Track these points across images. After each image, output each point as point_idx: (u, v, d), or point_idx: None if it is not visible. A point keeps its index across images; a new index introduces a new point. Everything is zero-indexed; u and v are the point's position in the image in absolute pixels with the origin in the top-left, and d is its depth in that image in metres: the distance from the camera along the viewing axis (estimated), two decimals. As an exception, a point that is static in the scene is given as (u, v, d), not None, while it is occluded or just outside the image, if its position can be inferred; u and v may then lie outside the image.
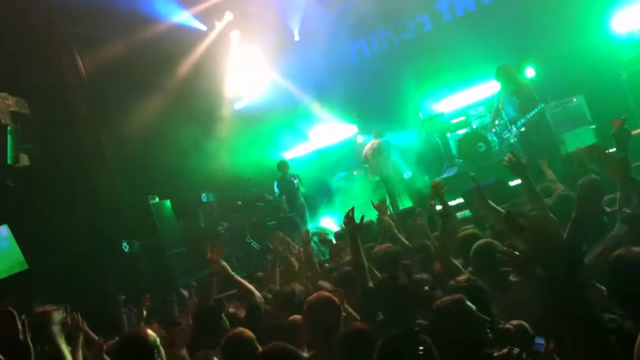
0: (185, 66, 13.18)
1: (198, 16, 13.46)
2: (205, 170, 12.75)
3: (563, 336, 2.85)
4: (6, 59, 10.03)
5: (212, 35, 13.82)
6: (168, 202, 12.15)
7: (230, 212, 12.69)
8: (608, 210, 4.68)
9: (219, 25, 13.81)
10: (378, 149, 12.12)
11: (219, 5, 13.45)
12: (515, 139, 9.74)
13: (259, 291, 5.26)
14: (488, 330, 3.07)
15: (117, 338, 5.36)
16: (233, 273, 5.30)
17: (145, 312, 6.41)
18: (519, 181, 6.25)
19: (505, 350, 3.00)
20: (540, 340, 2.81)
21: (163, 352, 3.35)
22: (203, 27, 13.76)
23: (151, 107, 12.19)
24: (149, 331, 3.33)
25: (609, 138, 5.10)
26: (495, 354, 3.04)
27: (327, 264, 6.41)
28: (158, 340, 3.29)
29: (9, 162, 9.98)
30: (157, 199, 11.87)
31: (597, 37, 10.84)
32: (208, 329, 4.40)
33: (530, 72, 10.48)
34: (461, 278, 3.71)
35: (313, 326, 3.83)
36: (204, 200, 13.26)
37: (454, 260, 4.59)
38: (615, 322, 2.94)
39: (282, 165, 12.26)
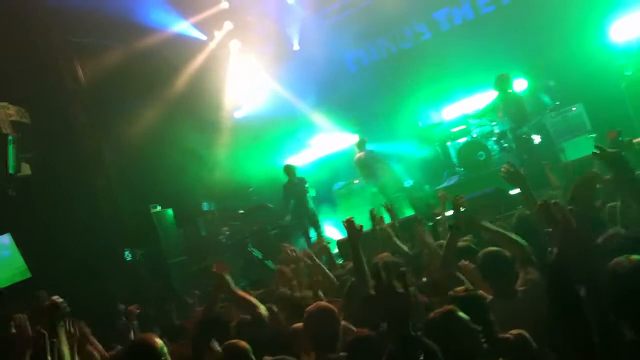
0: (185, 75, 13.21)
1: (198, 26, 13.52)
2: (205, 179, 12.73)
3: (565, 346, 2.86)
4: (5, 67, 10.02)
5: (212, 44, 13.90)
6: (170, 211, 12.05)
7: (232, 221, 12.68)
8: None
9: (218, 35, 13.89)
10: (364, 162, 12.00)
11: (219, 15, 13.55)
12: (513, 146, 9.79)
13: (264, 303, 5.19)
14: (483, 341, 3.07)
15: (119, 347, 5.39)
16: (235, 289, 5.11)
17: (136, 322, 6.34)
18: (518, 190, 6.26)
19: None
20: None
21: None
22: (203, 37, 13.83)
23: (151, 116, 12.19)
24: (156, 339, 3.32)
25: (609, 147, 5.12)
26: None
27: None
28: (165, 347, 3.29)
29: (10, 171, 9.97)
30: (159, 208, 11.81)
31: (596, 46, 10.93)
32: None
33: (522, 84, 10.55)
34: (460, 288, 3.71)
35: (314, 335, 3.85)
36: (205, 208, 13.21)
37: (457, 273, 4.57)
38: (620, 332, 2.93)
39: (289, 169, 11.53)
